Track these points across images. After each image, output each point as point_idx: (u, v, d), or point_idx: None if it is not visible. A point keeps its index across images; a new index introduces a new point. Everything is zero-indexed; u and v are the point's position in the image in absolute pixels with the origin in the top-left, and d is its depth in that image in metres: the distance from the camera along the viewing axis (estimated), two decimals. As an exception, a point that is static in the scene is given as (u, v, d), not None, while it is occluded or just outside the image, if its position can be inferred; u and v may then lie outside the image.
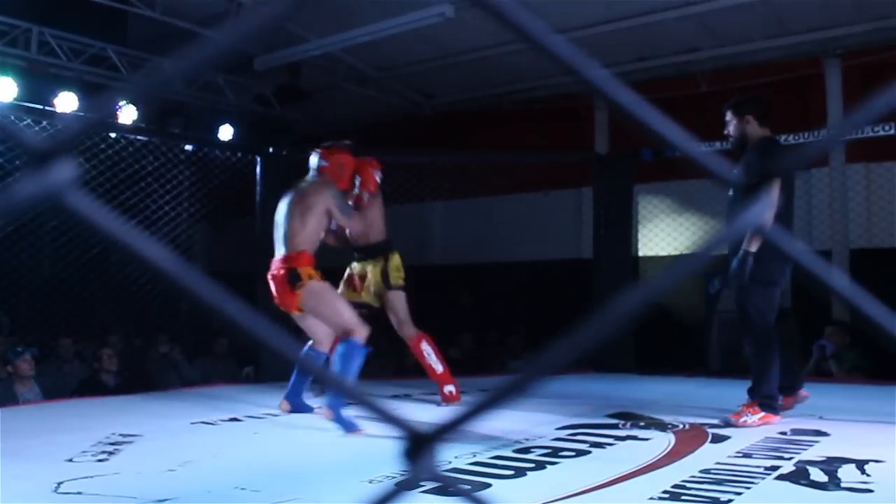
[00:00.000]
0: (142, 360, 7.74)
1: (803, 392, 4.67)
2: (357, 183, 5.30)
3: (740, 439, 3.89)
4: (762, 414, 4.30)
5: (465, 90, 9.89)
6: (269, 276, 4.77)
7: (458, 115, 10.18)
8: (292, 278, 4.65)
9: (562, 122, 9.64)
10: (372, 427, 4.53)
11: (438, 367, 5.35)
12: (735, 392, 4.85)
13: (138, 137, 7.28)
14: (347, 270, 5.59)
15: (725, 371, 7.52)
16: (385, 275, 5.42)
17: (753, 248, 4.10)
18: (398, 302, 5.43)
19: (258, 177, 7.10)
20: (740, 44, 8.25)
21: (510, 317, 9.16)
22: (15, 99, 6.93)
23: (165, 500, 2.92)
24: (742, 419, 4.28)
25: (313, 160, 5.02)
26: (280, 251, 4.77)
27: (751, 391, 4.41)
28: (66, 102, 7.28)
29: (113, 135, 7.01)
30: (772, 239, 0.51)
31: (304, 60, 8.87)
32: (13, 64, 7.63)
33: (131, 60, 8.59)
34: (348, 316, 4.65)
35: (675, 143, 0.53)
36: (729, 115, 4.58)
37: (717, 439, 3.92)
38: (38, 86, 7.33)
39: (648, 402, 5.06)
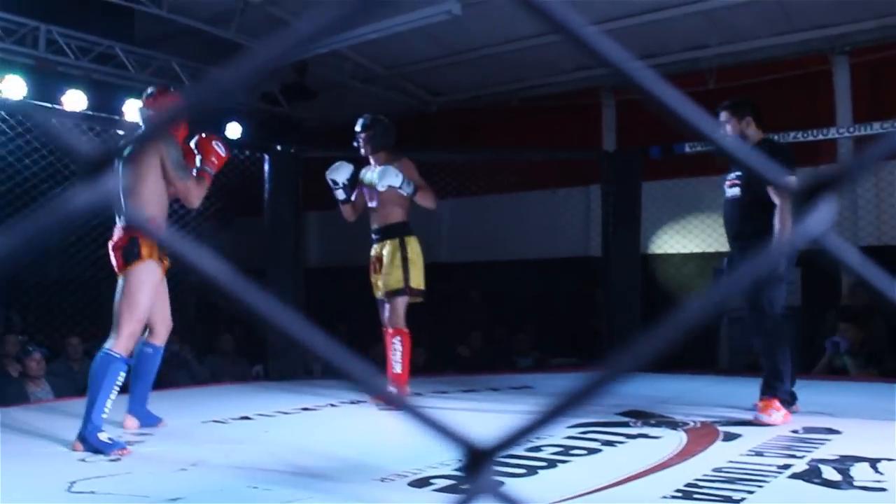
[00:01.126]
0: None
1: (796, 407, 4.54)
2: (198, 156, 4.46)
3: (752, 438, 3.89)
4: (785, 411, 4.28)
5: (472, 88, 9.89)
6: (110, 246, 4.17)
7: (465, 112, 10.18)
8: (130, 249, 4.05)
9: (569, 119, 9.62)
10: (383, 424, 4.54)
11: (397, 368, 5.14)
12: (745, 390, 4.84)
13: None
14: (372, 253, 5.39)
15: (735, 369, 7.52)
16: (405, 262, 5.20)
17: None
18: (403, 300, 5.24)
19: (266, 174, 7.12)
20: (748, 40, 8.24)
21: (519, 315, 9.16)
22: (24, 97, 6.94)
23: (177, 499, 2.93)
24: (771, 416, 4.23)
25: (138, 115, 4.49)
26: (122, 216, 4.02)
27: (768, 387, 4.37)
28: (74, 100, 7.28)
29: (121, 132, 7.03)
30: (828, 247, 0.50)
31: (311, 58, 8.87)
32: (21, 62, 7.66)
33: (139, 59, 8.60)
34: (137, 320, 4.04)
35: (722, 143, 0.53)
36: (725, 116, 4.53)
37: (729, 437, 3.91)
38: (47, 84, 7.35)
39: (659, 399, 5.05)
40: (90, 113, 7.08)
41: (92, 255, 7.34)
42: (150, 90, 4.40)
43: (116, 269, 4.13)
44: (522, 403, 5.32)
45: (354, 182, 5.42)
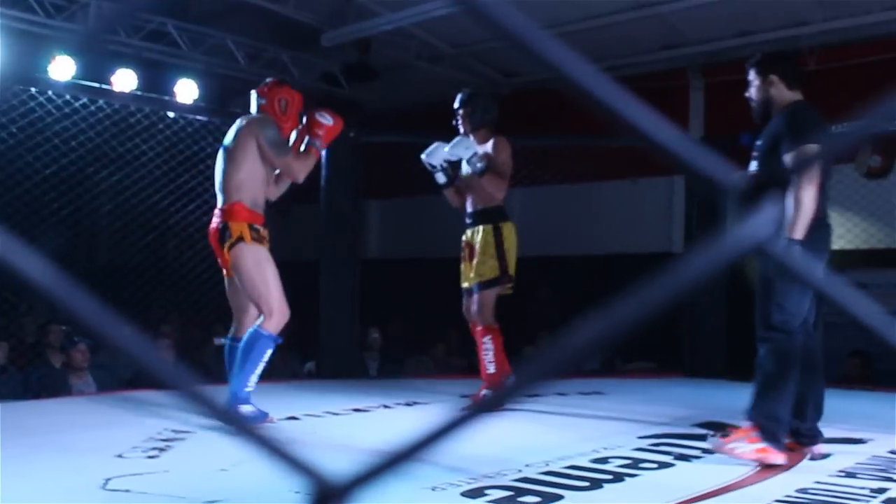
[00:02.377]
0: (199, 351, 7.90)
1: (819, 448, 3.86)
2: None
3: (843, 457, 3.77)
4: (761, 445, 3.55)
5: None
6: (209, 231, 4.56)
7: (540, 94, 10.07)
8: (222, 234, 4.42)
9: (654, 102, 9.36)
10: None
11: (490, 368, 5.19)
12: (838, 402, 4.70)
13: (197, 117, 7.42)
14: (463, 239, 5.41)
15: (830, 380, 7.32)
16: (500, 250, 5.23)
17: (798, 234, 3.53)
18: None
19: (323, 160, 7.18)
20: (856, 16, 7.98)
21: (592, 314, 9.06)
22: (73, 77, 7.12)
23: (216, 501, 2.98)
24: (731, 445, 3.61)
25: (252, 101, 4.74)
26: (218, 201, 4.52)
27: (755, 413, 3.68)
28: (124, 80, 7.45)
29: (171, 114, 7.17)
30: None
31: (375, 36, 8.91)
32: (71, 40, 7.85)
33: (192, 36, 8.75)
34: (274, 296, 4.39)
35: (662, 140, 0.50)
36: (751, 75, 4.00)
37: (818, 456, 3.80)
38: (96, 63, 7.53)
39: (741, 411, 4.94)
40: (140, 93, 7.23)
41: (139, 243, 7.53)
42: (267, 80, 4.79)
43: (220, 260, 4.55)
44: (591, 410, 5.26)
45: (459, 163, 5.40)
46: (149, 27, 8.42)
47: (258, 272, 4.41)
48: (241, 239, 4.39)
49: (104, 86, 6.88)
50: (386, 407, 5.32)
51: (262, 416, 4.36)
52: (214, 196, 7.55)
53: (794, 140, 3.65)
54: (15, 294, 7.10)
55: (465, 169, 5.16)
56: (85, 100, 6.65)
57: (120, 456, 3.71)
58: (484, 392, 5.11)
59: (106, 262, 8.57)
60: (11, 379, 6.32)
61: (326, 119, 4.63)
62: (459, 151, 5.08)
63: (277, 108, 4.61)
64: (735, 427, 3.75)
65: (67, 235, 7.36)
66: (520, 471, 3.44)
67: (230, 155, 4.48)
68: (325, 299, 7.23)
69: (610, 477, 3.36)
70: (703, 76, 9.30)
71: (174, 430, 4.35)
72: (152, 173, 7.60)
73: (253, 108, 4.71)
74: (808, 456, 3.78)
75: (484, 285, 5.17)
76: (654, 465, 3.58)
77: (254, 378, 4.40)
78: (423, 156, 5.37)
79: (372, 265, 10.43)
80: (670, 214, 9.21)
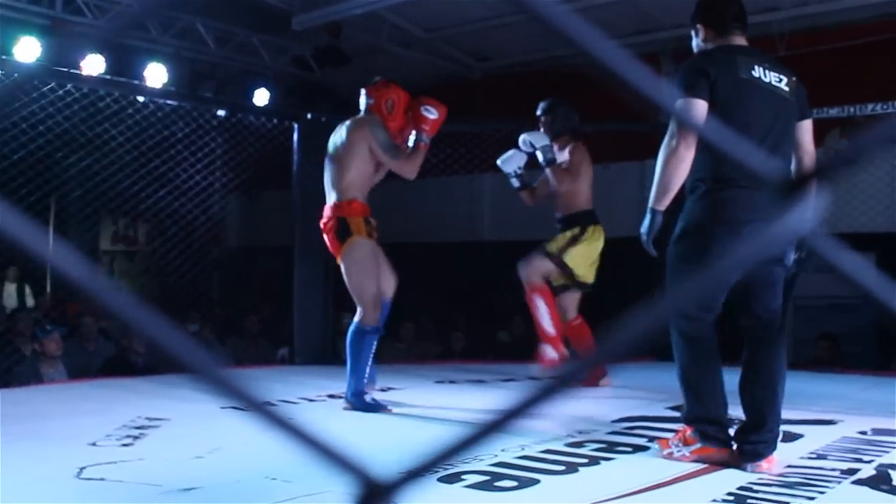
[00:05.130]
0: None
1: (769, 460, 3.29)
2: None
3: (814, 439, 3.83)
4: (698, 445, 3.34)
5: (521, 52, 9.81)
6: (321, 225, 4.79)
7: (512, 79, 10.10)
8: (341, 229, 4.65)
9: (625, 87, 9.49)
10: (414, 414, 4.56)
11: (550, 330, 5.35)
12: (809, 385, 4.78)
13: (167, 102, 7.35)
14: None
15: (799, 363, 7.42)
16: (573, 240, 5.45)
17: (654, 201, 3.34)
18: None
19: (295, 144, 7.15)
20: (826, 2, 8.05)
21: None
22: (38, 60, 7.02)
23: (192, 488, 2.98)
24: (668, 450, 3.43)
25: (361, 100, 4.88)
26: (330, 198, 4.74)
27: (686, 414, 3.43)
28: (93, 64, 7.35)
29: (141, 99, 7.10)
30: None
31: (346, 20, 8.86)
32: (37, 23, 7.74)
33: (161, 20, 8.66)
34: (370, 293, 4.66)
35: (701, 131, 0.51)
36: (692, 33, 3.57)
37: (788, 438, 3.85)
38: (64, 46, 7.42)
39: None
40: (109, 77, 7.15)
41: (109, 229, 7.46)
42: (376, 78, 4.94)
43: (332, 250, 4.78)
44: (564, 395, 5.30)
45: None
46: (116, 9, 8.32)
47: (363, 265, 4.68)
48: (356, 232, 4.64)
49: (72, 70, 6.80)
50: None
51: (381, 406, 4.64)
52: (185, 181, 7.51)
53: (678, 92, 3.19)
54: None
55: (545, 172, 5.51)
56: (53, 84, 6.56)
57: (94, 444, 3.69)
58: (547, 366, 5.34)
59: (74, 247, 8.51)
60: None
61: (432, 113, 4.78)
62: (536, 139, 5.41)
63: (384, 108, 4.77)
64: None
65: (36, 222, 7.28)
66: (496, 455, 3.46)
67: (341, 155, 4.70)
68: (298, 285, 7.21)
69: (586, 461, 3.39)
70: (675, 61, 9.34)
71: (148, 418, 4.33)
72: (122, 158, 7.53)
73: (361, 106, 4.86)
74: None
75: (544, 253, 5.42)
76: (630, 449, 3.62)
77: (364, 369, 4.67)
78: (498, 162, 5.75)
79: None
80: (642, 199, 9.24)
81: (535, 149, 5.42)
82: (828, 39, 8.13)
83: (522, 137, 5.48)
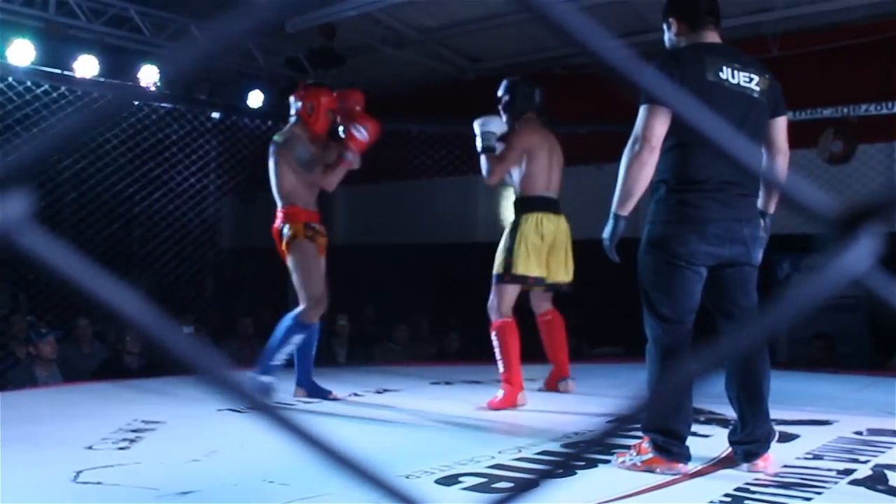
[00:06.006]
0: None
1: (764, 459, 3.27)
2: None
3: (811, 439, 3.84)
4: (649, 456, 3.23)
5: (514, 54, 9.81)
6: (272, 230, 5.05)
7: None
8: (284, 233, 4.92)
9: (617, 88, 9.50)
10: (410, 416, 4.55)
11: (507, 369, 4.92)
12: (805, 385, 4.79)
13: (162, 104, 7.33)
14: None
15: (794, 363, 7.43)
16: (509, 241, 5.02)
17: (617, 206, 3.31)
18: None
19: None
20: (818, 3, 8.07)
21: (561, 300, 9.10)
22: (32, 63, 7.00)
23: (189, 492, 2.97)
24: (622, 459, 3.32)
25: (291, 106, 5.14)
26: (278, 204, 5.03)
27: (645, 424, 3.27)
28: (86, 66, 7.34)
29: (135, 102, 7.08)
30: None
31: (340, 21, 8.86)
32: (30, 25, 7.72)
33: (154, 21, 8.64)
34: (313, 290, 4.85)
35: (758, 169, 0.50)
36: (664, 27, 3.49)
37: (784, 438, 3.86)
38: (57, 49, 7.41)
39: (709, 395, 5.00)
40: (103, 79, 7.14)
41: (103, 232, 7.45)
42: (309, 81, 5.29)
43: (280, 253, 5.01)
44: (561, 396, 5.31)
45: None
46: (111, 12, 8.31)
47: (306, 266, 4.90)
48: (295, 236, 4.89)
49: (66, 72, 6.78)
50: (356, 395, 5.33)
51: (271, 391, 4.77)
52: (180, 184, 7.52)
53: (643, 97, 2.97)
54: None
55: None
56: (47, 86, 6.54)
57: (90, 448, 3.68)
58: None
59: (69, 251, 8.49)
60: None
61: (361, 133, 4.95)
62: (487, 124, 5.08)
63: (305, 112, 5.01)
64: (708, 411, 3.75)
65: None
66: (492, 457, 3.46)
67: (275, 165, 4.96)
68: (292, 287, 7.18)
69: (582, 463, 3.39)
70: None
71: (144, 421, 4.32)
72: (117, 161, 7.52)
73: (292, 111, 5.11)
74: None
75: (495, 278, 5.02)
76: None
77: (281, 356, 4.87)
78: (477, 122, 5.19)
79: (339, 252, 10.39)
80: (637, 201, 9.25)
81: (481, 132, 5.04)
82: (821, 40, 8.15)
83: (478, 121, 5.11)
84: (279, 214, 5.00)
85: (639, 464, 3.23)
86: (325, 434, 0.50)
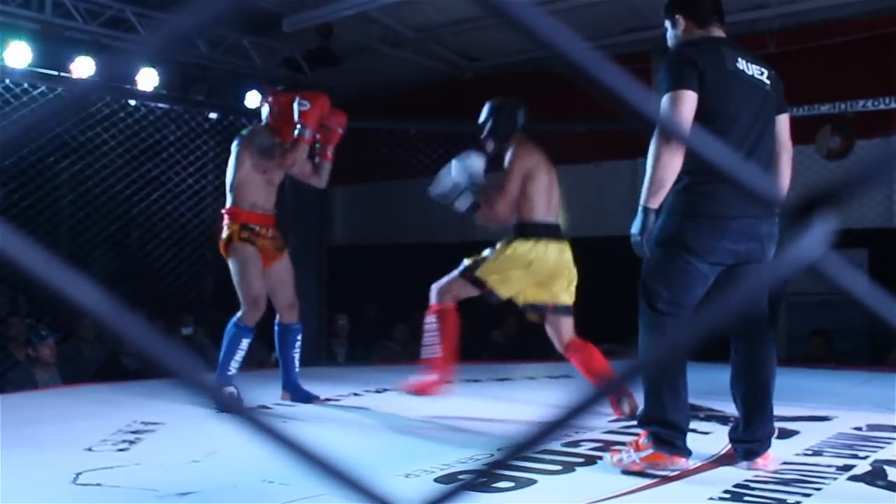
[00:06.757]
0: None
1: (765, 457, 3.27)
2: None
3: (810, 435, 3.84)
4: (649, 452, 3.15)
5: (511, 52, 9.81)
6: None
7: (503, 79, 10.10)
8: (223, 233, 4.92)
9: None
10: (409, 415, 4.55)
11: (431, 354, 4.60)
12: (804, 381, 4.78)
13: (159, 105, 7.33)
14: None
15: (793, 359, 7.44)
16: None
17: (646, 200, 3.18)
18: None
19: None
20: (813, -1, 8.08)
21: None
22: (29, 65, 7.00)
23: (188, 492, 2.97)
24: (617, 457, 3.23)
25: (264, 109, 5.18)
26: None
27: (643, 418, 3.23)
28: (83, 67, 7.33)
29: (133, 102, 7.08)
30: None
31: (336, 21, 8.85)
32: (27, 27, 7.71)
33: (151, 22, 8.63)
34: (248, 293, 4.84)
35: (711, 157, 0.50)
36: (667, 25, 3.43)
37: (784, 435, 3.86)
38: (54, 50, 7.40)
39: (708, 391, 5.00)
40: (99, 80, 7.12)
41: (102, 233, 7.44)
42: (279, 88, 5.25)
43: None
44: (560, 393, 5.30)
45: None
46: (107, 13, 8.29)
47: (240, 268, 4.87)
48: (230, 239, 4.85)
49: (63, 73, 6.78)
50: (356, 395, 5.33)
51: (238, 403, 4.54)
52: (178, 184, 7.52)
53: (662, 87, 3.09)
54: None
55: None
56: (43, 88, 6.54)
57: (90, 449, 3.68)
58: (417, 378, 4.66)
59: (67, 253, 8.48)
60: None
61: (303, 105, 4.89)
62: (464, 169, 4.62)
63: (272, 116, 5.04)
64: (707, 408, 3.75)
65: (27, 227, 7.28)
66: (492, 455, 3.46)
67: (232, 163, 4.97)
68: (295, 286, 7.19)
69: (582, 460, 3.39)
70: (666, 59, 9.35)
71: (143, 423, 4.32)
72: (114, 162, 7.51)
73: (263, 113, 5.18)
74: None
75: (462, 267, 4.69)
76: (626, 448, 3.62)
77: (234, 364, 4.83)
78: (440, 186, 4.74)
79: (337, 252, 10.40)
80: (634, 197, 9.25)
81: (468, 172, 4.63)
82: (817, 36, 8.15)
83: (456, 162, 4.67)
84: (223, 214, 5.01)
85: (638, 461, 3.14)
86: (297, 435, 0.50)
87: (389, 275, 9.33)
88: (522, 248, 4.56)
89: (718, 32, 3.30)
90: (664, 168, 3.06)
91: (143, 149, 7.56)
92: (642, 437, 3.16)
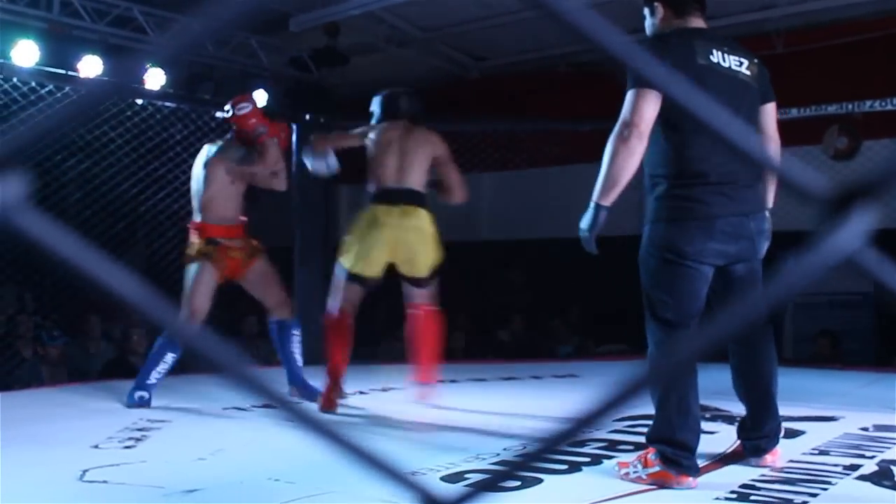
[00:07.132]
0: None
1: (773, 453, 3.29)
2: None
3: (816, 435, 3.83)
4: (656, 469, 3.05)
5: (518, 52, 9.80)
6: None
7: (510, 78, 10.10)
8: (186, 247, 5.03)
9: (622, 86, 9.49)
10: (415, 413, 4.55)
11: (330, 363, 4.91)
12: (810, 382, 4.77)
13: (166, 104, 7.34)
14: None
15: (800, 359, 7.42)
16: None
17: (598, 196, 3.21)
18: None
19: (294, 145, 7.13)
20: (821, -1, 8.05)
21: (564, 297, 9.10)
22: (37, 63, 7.00)
23: (194, 490, 2.97)
24: (625, 470, 3.15)
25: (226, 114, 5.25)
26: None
27: (652, 435, 3.14)
28: (91, 66, 7.34)
29: (140, 101, 7.09)
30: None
31: (343, 20, 8.85)
32: (34, 26, 7.72)
33: (158, 21, 8.64)
34: (188, 307, 4.85)
35: (752, 151, 0.50)
36: (645, 13, 3.34)
37: (791, 434, 3.85)
38: (61, 49, 7.40)
39: (715, 390, 4.99)
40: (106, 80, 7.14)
41: (109, 230, 7.46)
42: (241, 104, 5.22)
43: None
44: (566, 393, 5.30)
45: None
46: (114, 12, 8.31)
47: (188, 284, 4.94)
48: (190, 255, 4.97)
49: (70, 72, 6.78)
50: (362, 393, 5.33)
51: (144, 403, 4.79)
52: (184, 183, 7.54)
53: (631, 81, 3.01)
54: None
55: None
56: (51, 87, 6.55)
57: (96, 447, 3.69)
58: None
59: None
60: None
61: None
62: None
63: (235, 131, 5.11)
64: (714, 408, 3.74)
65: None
66: (498, 454, 3.46)
67: (202, 179, 5.04)
68: (298, 286, 7.20)
69: (588, 460, 3.39)
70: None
71: (150, 420, 4.33)
72: (121, 161, 7.53)
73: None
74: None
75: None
76: (632, 447, 3.61)
77: (154, 374, 4.88)
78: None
79: (343, 251, 10.38)
80: (641, 197, 9.24)
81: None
82: (825, 37, 8.12)
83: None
84: (188, 228, 5.10)
85: (644, 477, 3.06)
86: (342, 429, 0.51)
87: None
88: (361, 218, 5.01)
89: (698, 22, 3.21)
90: (620, 167, 3.01)
91: (150, 147, 7.57)
92: (651, 452, 3.09)
